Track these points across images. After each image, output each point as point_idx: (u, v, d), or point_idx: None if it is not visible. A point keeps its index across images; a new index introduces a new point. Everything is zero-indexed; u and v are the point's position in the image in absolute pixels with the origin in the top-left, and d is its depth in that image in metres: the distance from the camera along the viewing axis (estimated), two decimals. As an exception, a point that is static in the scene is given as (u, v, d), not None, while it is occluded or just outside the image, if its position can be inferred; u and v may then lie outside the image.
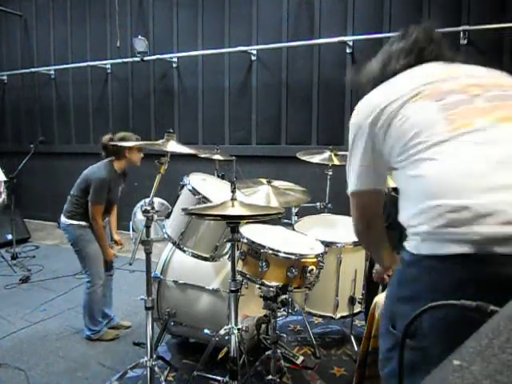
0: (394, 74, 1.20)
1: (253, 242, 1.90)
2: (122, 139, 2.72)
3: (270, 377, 2.07)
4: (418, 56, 1.22)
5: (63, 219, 2.78)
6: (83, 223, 2.73)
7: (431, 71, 1.16)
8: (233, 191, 1.83)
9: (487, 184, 0.89)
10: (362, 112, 1.16)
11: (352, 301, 2.39)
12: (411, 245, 1.01)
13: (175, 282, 2.46)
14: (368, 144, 1.14)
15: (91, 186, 2.66)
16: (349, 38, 4.26)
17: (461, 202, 0.89)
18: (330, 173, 2.98)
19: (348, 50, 4.32)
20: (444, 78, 1.10)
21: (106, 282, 2.93)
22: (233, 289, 1.92)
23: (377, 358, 1.40)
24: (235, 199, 1.83)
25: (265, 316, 2.20)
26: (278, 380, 2.08)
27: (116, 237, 3.03)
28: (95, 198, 2.66)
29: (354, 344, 2.63)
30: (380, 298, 1.75)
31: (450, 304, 0.76)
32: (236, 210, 1.78)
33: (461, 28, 3.77)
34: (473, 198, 0.89)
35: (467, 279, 0.88)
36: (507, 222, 0.84)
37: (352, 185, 1.21)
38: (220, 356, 2.17)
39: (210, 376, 2.20)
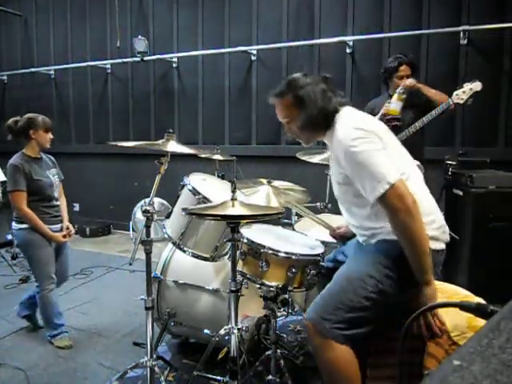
0: (336, 108, 1.64)
1: (253, 242, 1.90)
2: (30, 121, 2.69)
3: (270, 377, 2.07)
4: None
5: (13, 224, 2.70)
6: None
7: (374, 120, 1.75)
8: (233, 191, 1.83)
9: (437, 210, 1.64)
10: (368, 124, 1.57)
11: (352, 301, 2.38)
12: None
13: (175, 281, 2.46)
14: (381, 146, 1.51)
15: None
16: (349, 38, 4.26)
17: (438, 219, 1.63)
18: (330, 173, 2.97)
19: (348, 50, 4.32)
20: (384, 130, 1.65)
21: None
22: (233, 289, 1.91)
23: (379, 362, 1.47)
24: (235, 199, 1.83)
25: (265, 316, 2.20)
26: (278, 380, 2.07)
27: (65, 223, 2.84)
28: (9, 184, 2.63)
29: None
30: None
31: (451, 304, 0.77)
32: (236, 210, 1.78)
33: (461, 28, 3.77)
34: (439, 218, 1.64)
35: (441, 261, 1.63)
36: (446, 232, 1.65)
37: (391, 177, 1.43)
38: (220, 356, 2.16)
39: (210, 376, 2.20)
